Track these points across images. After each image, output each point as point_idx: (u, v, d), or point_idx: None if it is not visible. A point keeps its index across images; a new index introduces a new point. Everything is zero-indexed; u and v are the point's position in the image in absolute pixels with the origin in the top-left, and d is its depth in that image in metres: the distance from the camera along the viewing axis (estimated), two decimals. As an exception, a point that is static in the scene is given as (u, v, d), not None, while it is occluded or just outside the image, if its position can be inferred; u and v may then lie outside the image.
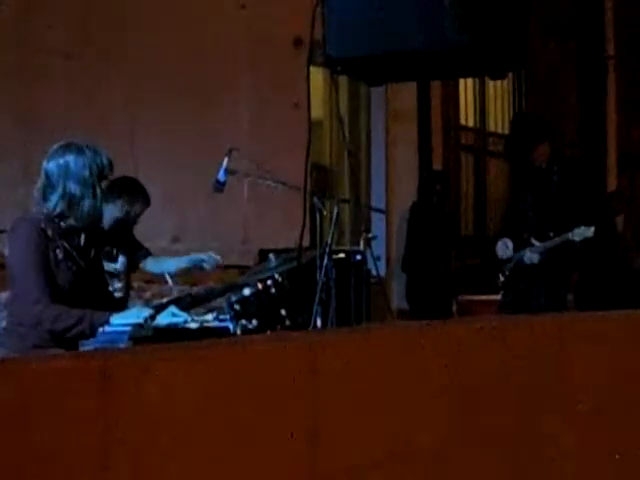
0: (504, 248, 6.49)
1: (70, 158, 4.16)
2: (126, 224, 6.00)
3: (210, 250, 6.01)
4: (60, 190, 4.15)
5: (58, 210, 4.16)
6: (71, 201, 4.16)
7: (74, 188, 4.15)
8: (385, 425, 2.19)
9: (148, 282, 6.66)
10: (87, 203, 4.18)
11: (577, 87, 12.33)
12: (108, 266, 5.48)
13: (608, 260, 9.15)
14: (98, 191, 4.19)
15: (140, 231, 6.24)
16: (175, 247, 7.66)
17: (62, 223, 4.19)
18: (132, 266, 6.00)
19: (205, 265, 5.92)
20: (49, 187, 4.18)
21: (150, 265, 6.09)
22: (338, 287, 5.18)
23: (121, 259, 5.92)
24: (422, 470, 2.32)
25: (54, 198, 4.16)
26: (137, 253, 6.06)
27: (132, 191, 6.01)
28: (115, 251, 5.83)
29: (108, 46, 7.36)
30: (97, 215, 4.25)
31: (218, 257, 5.88)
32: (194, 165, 7.45)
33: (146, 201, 6.07)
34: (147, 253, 6.12)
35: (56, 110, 7.01)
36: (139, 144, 7.54)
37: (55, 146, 4.24)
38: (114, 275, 5.71)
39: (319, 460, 2.01)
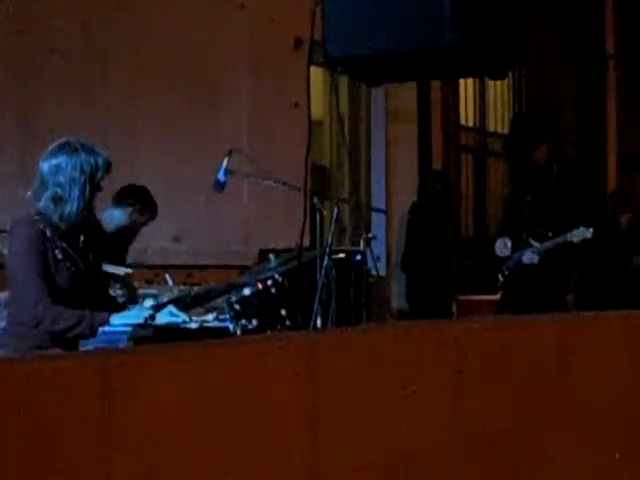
0: (503, 247, 6.50)
1: (62, 158, 4.16)
2: (129, 233, 6.00)
3: (210, 253, 5.99)
4: (50, 190, 4.15)
5: (51, 210, 4.16)
6: (61, 201, 4.15)
7: (63, 188, 4.14)
8: (385, 425, 2.19)
9: (148, 282, 6.65)
10: (75, 202, 4.16)
11: (577, 87, 12.33)
12: (118, 269, 5.45)
13: (608, 260, 9.15)
14: (87, 192, 4.17)
15: (141, 232, 6.24)
16: (176, 247, 7.66)
17: (65, 224, 4.19)
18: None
19: None
20: (41, 187, 4.18)
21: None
22: (338, 287, 5.18)
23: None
24: (422, 471, 2.32)
25: (45, 198, 4.16)
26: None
27: (145, 202, 6.02)
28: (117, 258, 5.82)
29: (108, 46, 7.36)
30: (86, 214, 4.22)
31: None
32: (194, 165, 7.45)
33: (154, 213, 6.08)
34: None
35: (56, 110, 7.00)
36: (139, 144, 7.54)
37: (51, 146, 4.24)
38: (117, 279, 5.70)
39: (319, 460, 2.01)
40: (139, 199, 5.99)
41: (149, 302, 4.51)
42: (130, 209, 5.94)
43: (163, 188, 7.11)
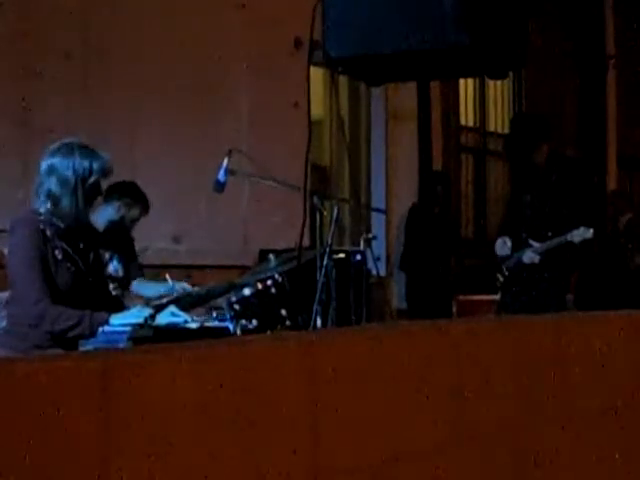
0: (503, 245, 6.50)
1: (57, 159, 4.19)
2: (121, 228, 5.98)
3: (210, 253, 5.98)
4: (45, 189, 4.18)
5: (46, 209, 4.17)
6: (53, 201, 4.17)
7: (55, 188, 4.17)
8: (385, 425, 2.19)
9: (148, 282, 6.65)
10: (65, 203, 4.17)
11: (577, 87, 12.33)
12: None
13: (608, 260, 9.15)
14: (80, 192, 4.19)
15: (141, 232, 6.24)
16: (175, 248, 7.66)
17: (61, 224, 4.20)
18: (126, 281, 5.96)
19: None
20: (39, 186, 4.22)
21: (135, 286, 6.05)
22: (338, 287, 5.18)
23: (114, 264, 5.89)
24: (422, 471, 2.32)
25: (41, 197, 4.19)
26: (132, 269, 6.01)
27: (132, 196, 6.01)
28: (108, 255, 5.81)
29: (108, 46, 7.36)
30: (78, 215, 4.23)
31: (189, 287, 5.73)
32: (194, 166, 7.45)
33: (145, 208, 6.07)
34: (139, 274, 6.07)
35: (56, 110, 7.00)
36: (139, 144, 7.54)
37: (52, 146, 4.26)
38: (114, 280, 5.70)
39: (319, 460, 2.01)
40: (126, 193, 5.98)
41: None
42: (117, 204, 5.94)
43: (163, 189, 7.12)
